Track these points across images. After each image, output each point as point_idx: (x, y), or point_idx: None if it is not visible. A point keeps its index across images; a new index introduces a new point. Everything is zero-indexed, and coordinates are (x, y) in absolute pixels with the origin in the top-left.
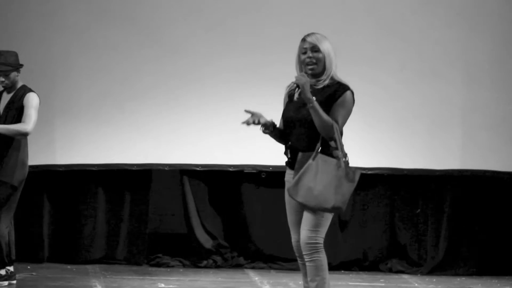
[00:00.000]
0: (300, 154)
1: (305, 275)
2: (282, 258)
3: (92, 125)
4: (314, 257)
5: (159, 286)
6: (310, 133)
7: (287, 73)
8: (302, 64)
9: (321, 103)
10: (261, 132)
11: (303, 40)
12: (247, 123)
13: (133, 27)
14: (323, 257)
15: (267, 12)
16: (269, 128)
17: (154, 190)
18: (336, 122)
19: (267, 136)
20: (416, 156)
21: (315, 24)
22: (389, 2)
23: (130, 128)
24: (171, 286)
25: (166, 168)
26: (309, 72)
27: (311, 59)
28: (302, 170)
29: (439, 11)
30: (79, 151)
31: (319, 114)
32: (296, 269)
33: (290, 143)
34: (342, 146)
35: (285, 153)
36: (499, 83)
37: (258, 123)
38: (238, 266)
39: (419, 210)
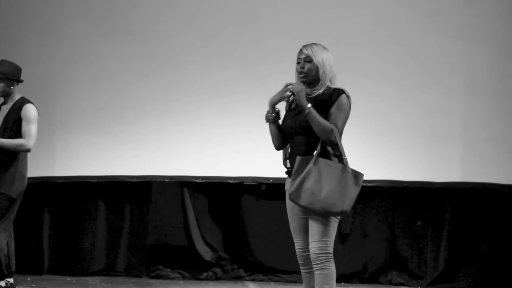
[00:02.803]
0: (298, 158)
1: (307, 284)
2: (282, 270)
3: (92, 136)
4: (325, 265)
5: None
6: (308, 140)
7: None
8: (297, 74)
9: (317, 110)
10: (266, 116)
11: (300, 50)
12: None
13: (132, 39)
14: (333, 267)
15: (267, 23)
16: (276, 119)
17: (154, 202)
18: (336, 126)
19: (267, 148)
20: (416, 168)
21: (316, 35)
22: (391, 14)
23: (130, 140)
24: None
25: (166, 180)
26: (301, 81)
27: (302, 69)
28: (303, 174)
29: (440, 23)
30: (79, 163)
31: (316, 119)
32: (296, 281)
33: (289, 152)
34: (343, 149)
35: (284, 163)
36: (500, 95)
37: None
38: (238, 278)
39: (419, 222)
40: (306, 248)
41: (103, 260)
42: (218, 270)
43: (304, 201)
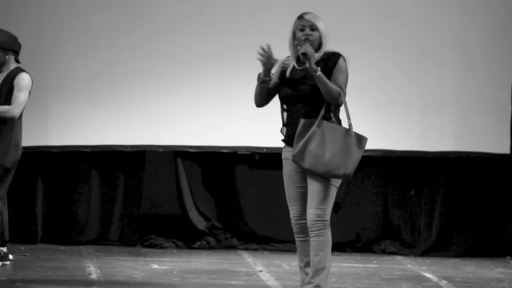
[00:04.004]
0: (302, 120)
1: (301, 252)
2: (276, 240)
3: (86, 106)
4: (322, 233)
5: (153, 267)
6: (307, 109)
7: (280, 54)
8: (298, 41)
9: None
10: (258, 75)
11: (301, 18)
12: (263, 56)
13: (126, 10)
14: (329, 234)
15: None
16: (267, 82)
17: (147, 172)
18: (341, 89)
19: (261, 118)
20: (409, 138)
21: (308, 5)
22: None
23: (123, 110)
24: (164, 267)
25: (159, 150)
26: None
27: (309, 36)
28: (306, 137)
29: None
30: (73, 133)
31: (326, 82)
32: (289, 250)
33: (287, 120)
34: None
35: (282, 131)
36: (492, 66)
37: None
38: (231, 248)
39: (412, 192)
40: (301, 216)
41: (97, 229)
42: (211, 239)
43: (307, 164)
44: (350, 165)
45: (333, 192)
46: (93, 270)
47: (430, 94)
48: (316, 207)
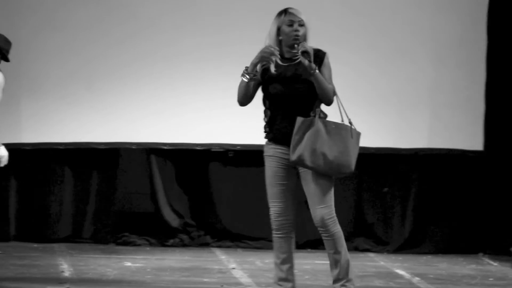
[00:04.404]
0: (299, 119)
1: (278, 249)
2: (249, 237)
3: (60, 103)
4: (335, 229)
5: (126, 264)
6: (301, 107)
7: (253, 52)
8: (286, 37)
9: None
10: (245, 73)
11: (287, 13)
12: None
13: (102, 6)
14: (340, 228)
15: None
16: (255, 79)
17: (121, 169)
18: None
19: (235, 115)
20: (383, 135)
21: (285, 4)
22: None
23: (97, 107)
24: (137, 264)
25: (133, 147)
26: (294, 43)
27: (298, 33)
28: (308, 136)
29: None
30: (46, 130)
31: (322, 81)
32: (263, 247)
33: (274, 118)
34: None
35: (266, 128)
36: (465, 63)
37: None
38: (204, 245)
39: (386, 188)
40: (282, 214)
41: (70, 227)
42: (184, 237)
43: (311, 163)
44: (353, 162)
45: (332, 189)
46: (66, 268)
47: (403, 91)
48: (323, 206)
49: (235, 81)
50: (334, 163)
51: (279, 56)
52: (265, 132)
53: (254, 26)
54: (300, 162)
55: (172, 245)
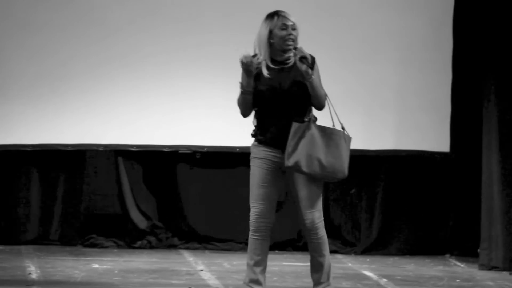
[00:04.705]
0: (294, 124)
1: (253, 250)
2: (217, 239)
3: (26, 106)
4: (323, 233)
5: (93, 266)
6: (294, 110)
7: (219, 54)
8: (279, 41)
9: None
10: (243, 90)
11: (281, 16)
12: (245, 60)
13: (69, 10)
14: (325, 232)
15: None
16: (250, 91)
17: (88, 171)
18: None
19: (202, 117)
20: (351, 136)
21: (255, 6)
22: None
23: (64, 109)
24: (105, 266)
25: (100, 149)
26: (288, 48)
27: (292, 37)
28: (304, 142)
29: None
30: (13, 132)
31: (317, 86)
32: (230, 249)
33: (264, 121)
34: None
35: (257, 131)
36: (433, 65)
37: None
38: (172, 247)
39: (353, 190)
40: (262, 215)
41: (37, 229)
42: (152, 239)
43: (307, 168)
44: (346, 167)
45: (321, 192)
46: (33, 270)
47: (371, 92)
48: (314, 210)
49: (201, 82)
50: (329, 169)
51: (255, 63)
52: (255, 134)
53: (222, 29)
54: (296, 168)
55: (139, 247)
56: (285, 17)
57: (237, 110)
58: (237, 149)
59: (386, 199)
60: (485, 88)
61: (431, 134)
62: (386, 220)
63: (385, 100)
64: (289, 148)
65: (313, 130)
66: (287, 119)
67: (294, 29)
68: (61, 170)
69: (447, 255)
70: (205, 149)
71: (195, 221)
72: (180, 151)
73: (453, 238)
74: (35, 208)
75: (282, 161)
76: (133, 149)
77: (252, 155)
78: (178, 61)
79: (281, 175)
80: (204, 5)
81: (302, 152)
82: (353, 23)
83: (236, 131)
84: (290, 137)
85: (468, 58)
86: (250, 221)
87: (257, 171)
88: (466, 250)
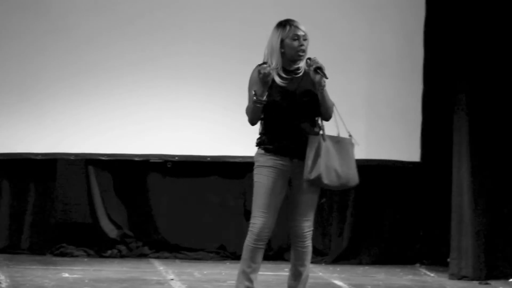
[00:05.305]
0: (311, 137)
1: (251, 259)
2: (187, 248)
3: None
4: (310, 243)
5: (63, 275)
6: (306, 120)
7: (190, 64)
8: (291, 50)
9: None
10: (257, 100)
11: (293, 26)
12: (265, 70)
13: (39, 17)
14: (311, 242)
15: (182, 5)
16: (264, 101)
17: (59, 180)
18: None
19: (174, 126)
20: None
21: (223, 16)
22: None
23: (35, 118)
24: (75, 275)
25: (71, 158)
26: (299, 59)
27: (303, 47)
28: (322, 153)
29: (343, 3)
30: None
31: (328, 96)
32: (201, 258)
33: (275, 131)
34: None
35: (264, 139)
36: (404, 75)
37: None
38: (143, 256)
39: (324, 199)
40: (268, 226)
41: (7, 238)
42: (122, 248)
43: (327, 180)
44: (357, 174)
45: (317, 202)
46: (3, 279)
47: (341, 102)
48: (308, 219)
49: (172, 92)
50: (344, 178)
51: (273, 72)
52: (261, 142)
53: (193, 39)
54: (318, 181)
55: (110, 256)
56: (297, 27)
57: (207, 119)
58: (208, 158)
59: (357, 208)
60: (456, 98)
61: (402, 143)
62: (356, 230)
63: (355, 109)
64: (308, 161)
65: (327, 141)
66: (297, 128)
67: (305, 39)
68: (31, 179)
69: (417, 265)
70: (176, 158)
71: (166, 230)
72: (151, 160)
73: (423, 247)
74: (5, 217)
75: (290, 169)
76: (103, 158)
77: (258, 163)
78: (149, 71)
79: (287, 183)
80: (175, 17)
81: (322, 165)
82: (325, 32)
83: (207, 140)
84: (308, 149)
85: (438, 68)
86: (252, 230)
87: (265, 180)
88: (436, 259)
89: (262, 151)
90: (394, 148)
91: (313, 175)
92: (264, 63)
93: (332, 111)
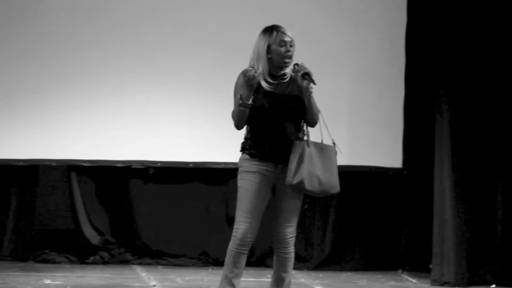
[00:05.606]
0: (296, 142)
1: (234, 264)
2: (169, 254)
3: None
4: (292, 249)
5: (45, 282)
6: (291, 126)
7: (172, 71)
8: (277, 56)
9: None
10: (243, 104)
11: (280, 32)
12: (250, 74)
13: (24, 22)
14: (294, 248)
15: (163, 14)
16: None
17: (41, 186)
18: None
19: (156, 133)
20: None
21: (207, 22)
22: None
23: (16, 123)
24: (57, 282)
25: (53, 164)
26: (286, 65)
27: (290, 54)
28: (305, 160)
29: (326, 8)
30: None
31: (314, 103)
32: (183, 265)
33: (260, 136)
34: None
35: (248, 144)
36: (386, 81)
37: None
38: (125, 262)
39: (306, 205)
40: (251, 231)
41: None
42: (105, 254)
43: (309, 186)
44: (338, 181)
45: (300, 208)
46: None
47: (323, 108)
48: (291, 224)
49: (154, 99)
50: (326, 185)
51: (258, 76)
52: (246, 147)
53: (174, 46)
54: (300, 186)
55: (92, 262)
56: (283, 33)
57: (189, 125)
58: (191, 164)
59: (339, 214)
60: (437, 104)
61: (383, 149)
62: (339, 236)
63: (337, 116)
64: (291, 165)
65: (311, 148)
66: (283, 134)
67: (292, 45)
68: (13, 185)
69: (400, 271)
70: (159, 164)
71: (148, 237)
72: (133, 167)
73: (405, 253)
74: None
75: (275, 175)
76: (85, 164)
77: (242, 169)
78: (131, 78)
79: (270, 189)
80: (155, 24)
81: (305, 171)
82: (308, 37)
83: (190, 146)
84: (292, 154)
85: (420, 73)
86: (235, 235)
87: (249, 185)
88: (418, 265)
89: (247, 156)
90: (376, 154)
91: (295, 180)
92: (251, 67)
93: (318, 117)
